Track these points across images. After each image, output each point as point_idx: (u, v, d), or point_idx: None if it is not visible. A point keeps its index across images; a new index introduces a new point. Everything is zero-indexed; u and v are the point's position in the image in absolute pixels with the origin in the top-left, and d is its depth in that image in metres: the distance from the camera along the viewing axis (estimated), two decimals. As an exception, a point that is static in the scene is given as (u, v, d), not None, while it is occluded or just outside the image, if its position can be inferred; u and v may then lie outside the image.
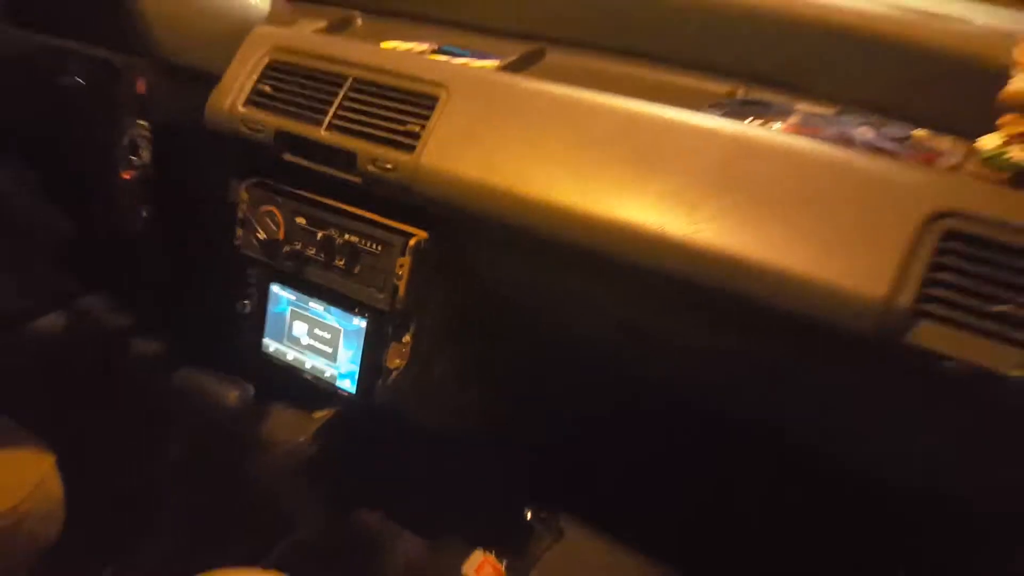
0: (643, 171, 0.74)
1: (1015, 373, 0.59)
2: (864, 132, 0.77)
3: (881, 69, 0.79)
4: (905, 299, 0.62)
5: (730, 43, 0.87)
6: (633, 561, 1.24)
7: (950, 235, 0.62)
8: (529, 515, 1.31)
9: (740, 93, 0.86)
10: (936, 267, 0.62)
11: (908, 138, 0.77)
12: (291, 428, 1.17)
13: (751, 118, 0.80)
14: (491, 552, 1.25)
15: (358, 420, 1.18)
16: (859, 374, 0.70)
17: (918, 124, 0.78)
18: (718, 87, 0.88)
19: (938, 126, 0.76)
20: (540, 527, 1.31)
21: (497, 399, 1.20)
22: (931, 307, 0.62)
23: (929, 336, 0.62)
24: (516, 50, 0.99)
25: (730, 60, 0.87)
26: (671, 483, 1.19)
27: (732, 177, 0.71)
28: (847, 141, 0.75)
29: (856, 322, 0.63)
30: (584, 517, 1.31)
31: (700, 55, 0.89)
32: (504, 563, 1.25)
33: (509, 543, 1.26)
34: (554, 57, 1.00)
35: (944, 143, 0.75)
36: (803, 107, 0.82)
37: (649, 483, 1.21)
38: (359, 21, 1.15)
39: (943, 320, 0.61)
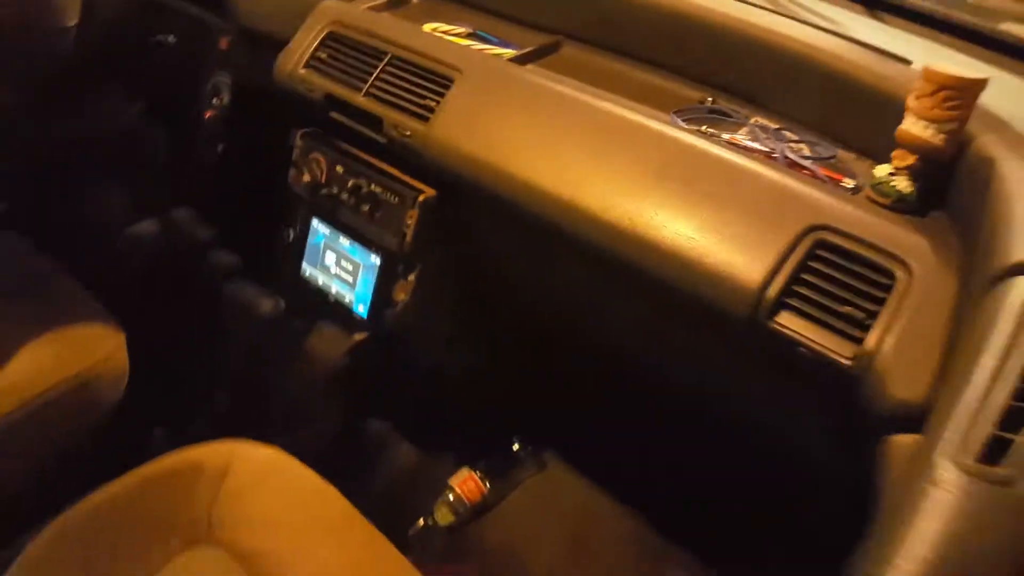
0: (603, 162, 0.89)
1: (848, 363, 0.72)
2: (797, 148, 0.90)
3: (824, 95, 0.91)
4: (773, 291, 0.75)
5: (705, 56, 0.99)
6: (608, 499, 1.39)
7: (820, 244, 0.75)
8: (516, 446, 1.47)
9: (708, 101, 0.99)
10: (804, 269, 0.75)
11: (834, 157, 0.89)
12: (329, 344, 1.39)
13: (706, 125, 0.94)
14: (477, 472, 1.42)
15: (381, 346, 1.39)
16: (744, 353, 0.84)
17: (848, 147, 0.90)
18: (692, 93, 1.01)
19: (862, 151, 0.88)
20: (525, 457, 1.47)
21: (492, 341, 1.38)
22: (793, 301, 0.75)
23: (787, 323, 0.75)
24: (537, 41, 1.14)
25: (705, 71, 1.00)
26: (629, 435, 1.34)
27: (667, 176, 0.85)
28: (780, 153, 0.88)
29: (734, 306, 0.77)
30: (567, 455, 1.48)
31: (681, 63, 1.02)
32: (487, 483, 1.41)
33: (495, 467, 1.44)
34: (568, 51, 1.14)
35: (861, 167, 0.86)
36: (756, 120, 0.95)
37: (615, 432, 1.36)
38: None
39: (800, 313, 0.75)
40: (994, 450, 0.45)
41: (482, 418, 1.45)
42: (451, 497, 1.39)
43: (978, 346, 0.53)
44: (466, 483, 1.40)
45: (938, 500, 0.43)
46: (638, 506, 1.36)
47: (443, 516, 1.38)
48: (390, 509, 0.90)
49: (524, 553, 1.36)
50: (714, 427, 1.07)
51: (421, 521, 1.37)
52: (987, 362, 0.51)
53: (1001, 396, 0.48)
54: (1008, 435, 0.45)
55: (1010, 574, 0.39)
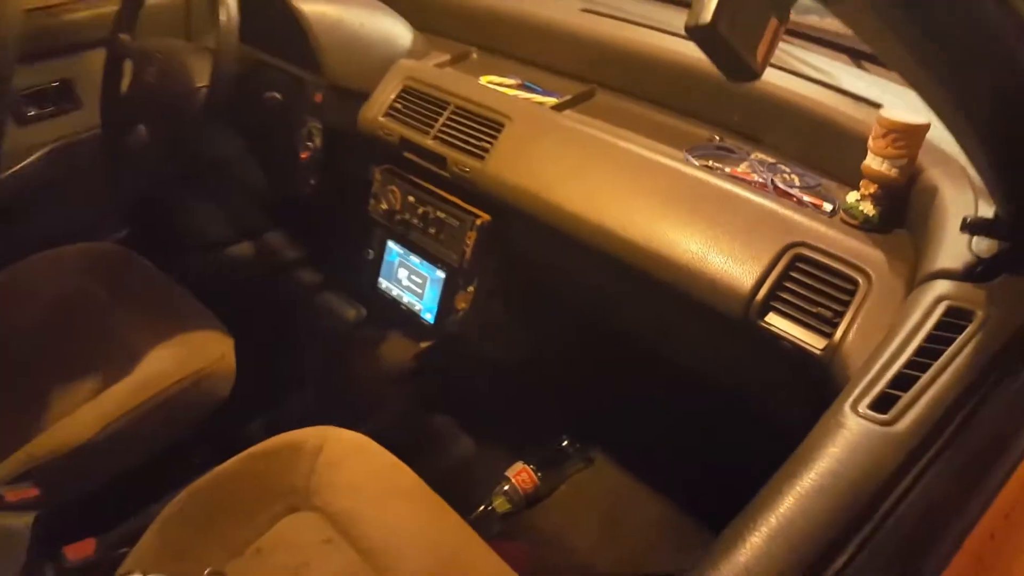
0: (624, 191, 1.08)
1: (820, 352, 0.89)
2: (789, 178, 1.07)
3: (810, 134, 1.08)
4: (760, 296, 0.93)
5: (714, 102, 1.18)
6: (640, 486, 1.55)
7: (798, 258, 0.93)
8: (565, 442, 1.63)
9: (716, 139, 1.18)
10: (785, 278, 0.93)
11: (819, 185, 1.06)
12: (401, 349, 1.61)
13: (713, 159, 1.12)
14: (531, 465, 1.59)
15: (444, 352, 1.59)
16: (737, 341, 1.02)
17: (830, 177, 1.07)
18: (703, 132, 1.20)
19: (841, 180, 1.05)
20: (574, 453, 1.63)
21: (544, 345, 1.58)
22: (776, 304, 0.93)
23: (772, 322, 0.93)
24: (575, 89, 1.35)
25: (713, 114, 1.19)
26: (657, 429, 1.51)
27: (675, 202, 1.03)
28: (770, 183, 1.06)
29: (729, 307, 0.95)
30: (614, 453, 1.64)
31: (694, 107, 1.21)
32: (539, 475, 1.59)
33: (546, 461, 1.62)
34: (601, 97, 1.34)
35: (840, 193, 1.03)
36: (756, 155, 1.13)
37: (645, 427, 1.54)
38: (474, 55, 1.54)
39: (782, 313, 0.92)
40: (884, 402, 0.62)
41: (535, 415, 1.63)
42: (507, 487, 1.56)
43: (894, 330, 0.71)
44: (521, 475, 1.56)
45: (837, 432, 0.60)
46: (667, 492, 1.52)
47: (500, 504, 1.55)
48: (450, 495, 1.08)
49: (568, 535, 1.53)
50: (717, 411, 1.24)
51: (481, 507, 1.56)
52: (894, 341, 0.68)
53: (896, 365, 0.65)
54: (896, 392, 0.63)
55: (877, 486, 0.56)
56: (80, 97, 1.66)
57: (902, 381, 0.64)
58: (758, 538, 0.53)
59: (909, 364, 0.65)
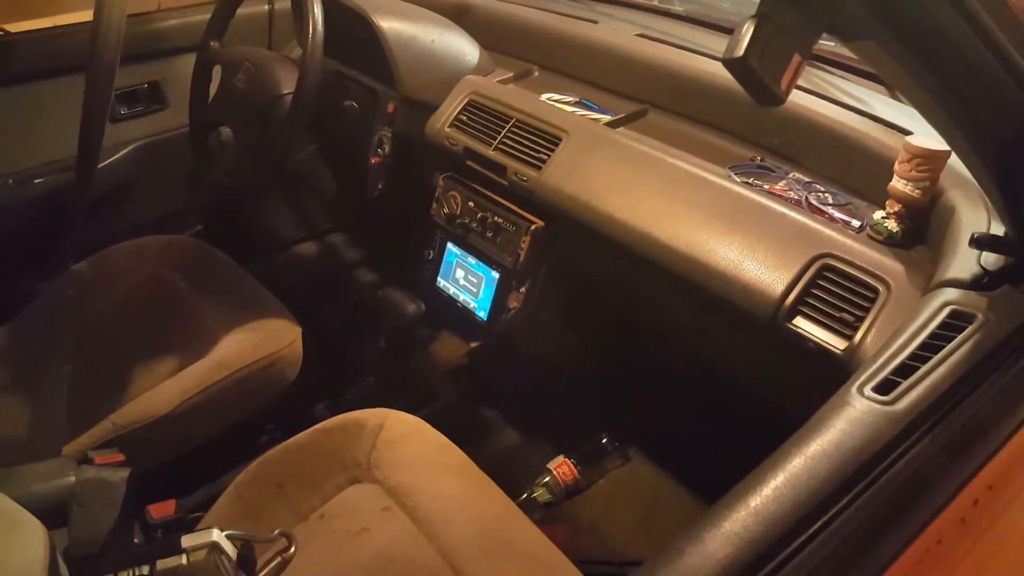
0: (669, 203, 1.19)
1: (841, 353, 0.98)
2: (822, 196, 1.17)
3: (843, 157, 1.18)
4: (789, 300, 1.02)
5: (757, 124, 1.28)
6: (674, 481, 1.63)
7: (825, 267, 1.02)
8: (605, 440, 1.72)
9: (757, 159, 1.28)
10: (812, 285, 1.02)
11: (850, 203, 1.15)
12: (454, 348, 1.72)
13: (754, 177, 1.22)
14: (571, 459, 1.67)
15: (494, 350, 1.70)
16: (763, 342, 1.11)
17: (861, 196, 1.16)
18: (745, 152, 1.30)
19: (871, 199, 1.14)
20: (612, 450, 1.71)
21: (588, 346, 1.68)
22: (804, 308, 1.02)
23: (799, 324, 1.02)
24: (629, 108, 1.46)
25: (756, 135, 1.29)
26: (688, 427, 1.59)
27: (716, 214, 1.13)
28: (804, 200, 1.15)
29: (761, 310, 1.05)
30: (651, 451, 1.71)
31: (739, 129, 1.31)
32: (579, 468, 1.67)
33: (586, 456, 1.70)
34: (653, 117, 1.45)
35: (869, 211, 1.12)
36: (794, 174, 1.23)
37: (678, 425, 1.62)
38: (536, 73, 1.66)
39: (808, 317, 1.01)
40: (886, 387, 0.72)
41: (578, 412, 1.72)
42: (548, 479, 1.65)
43: (903, 328, 0.80)
44: (561, 467, 1.64)
45: (843, 409, 0.70)
46: (700, 490, 1.60)
47: (541, 494, 1.63)
48: (495, 481, 1.15)
49: (605, 525, 1.61)
50: (748, 412, 1.32)
51: (524, 495, 1.65)
52: (901, 337, 0.78)
53: (901, 357, 0.75)
54: (898, 379, 0.72)
55: (874, 453, 0.66)
56: (168, 98, 1.80)
57: (905, 370, 0.73)
58: (768, 489, 0.63)
59: (912, 356, 0.74)
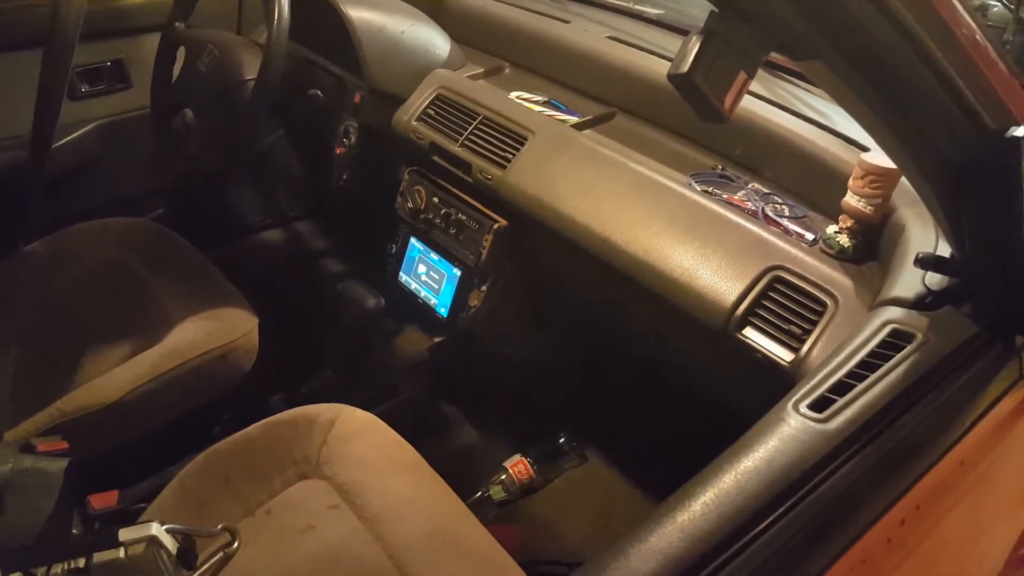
0: (630, 208, 1.19)
1: (787, 364, 0.99)
2: (779, 208, 1.17)
3: (801, 170, 1.19)
4: (740, 311, 1.03)
5: (720, 133, 1.29)
6: (630, 483, 1.64)
7: (776, 280, 1.03)
8: (562, 439, 1.72)
9: (719, 168, 1.28)
10: (763, 296, 1.03)
11: (805, 216, 1.16)
12: (416, 342, 1.72)
13: (713, 186, 1.23)
14: (528, 458, 1.68)
15: (455, 347, 1.70)
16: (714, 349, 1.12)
17: (816, 209, 1.17)
18: (707, 160, 1.31)
19: (826, 212, 1.15)
20: (569, 450, 1.72)
21: (550, 346, 1.68)
22: (754, 319, 1.03)
23: (748, 335, 1.03)
24: (597, 111, 1.46)
25: (719, 144, 1.30)
26: (645, 429, 1.61)
27: (674, 222, 1.14)
28: (763, 211, 1.16)
29: (712, 319, 1.05)
30: (607, 452, 1.72)
31: (702, 137, 1.32)
32: (535, 467, 1.69)
33: (543, 455, 1.71)
34: (620, 120, 1.45)
35: (824, 225, 1.13)
36: (753, 184, 1.23)
37: (634, 427, 1.63)
38: (507, 70, 1.65)
39: (758, 328, 1.02)
40: (822, 404, 0.73)
41: (535, 412, 1.73)
42: (504, 477, 1.66)
43: (844, 345, 0.81)
44: (517, 466, 1.65)
45: (777, 426, 0.71)
46: (655, 492, 1.61)
47: (496, 492, 1.64)
48: (450, 479, 1.16)
49: (560, 524, 1.62)
50: (701, 417, 1.33)
51: (478, 493, 1.66)
52: (841, 354, 0.79)
53: (839, 374, 0.75)
54: (833, 396, 0.73)
55: (804, 472, 0.66)
56: (132, 77, 1.75)
57: (841, 388, 0.74)
58: (697, 504, 0.63)
59: (849, 374, 0.75)
